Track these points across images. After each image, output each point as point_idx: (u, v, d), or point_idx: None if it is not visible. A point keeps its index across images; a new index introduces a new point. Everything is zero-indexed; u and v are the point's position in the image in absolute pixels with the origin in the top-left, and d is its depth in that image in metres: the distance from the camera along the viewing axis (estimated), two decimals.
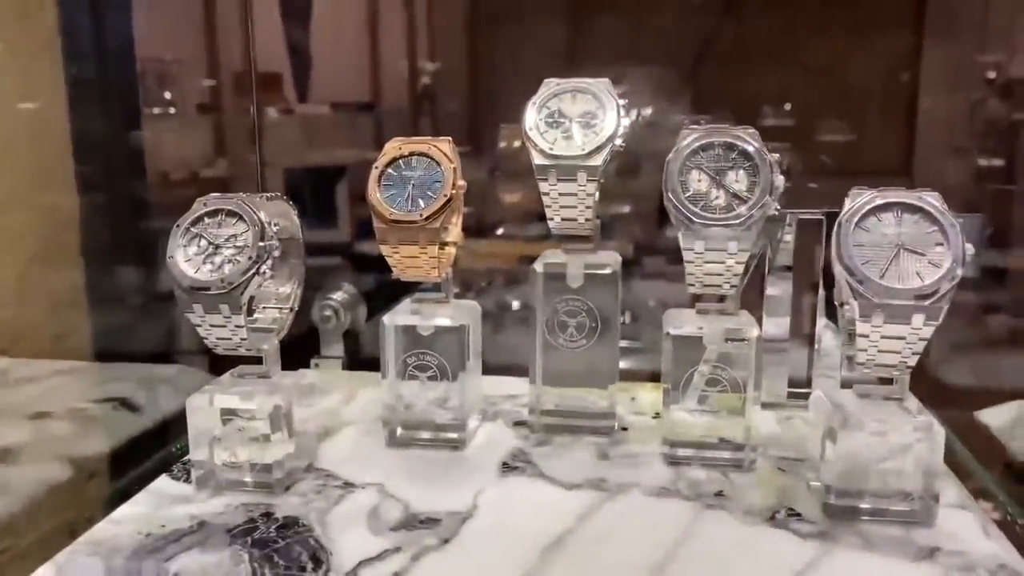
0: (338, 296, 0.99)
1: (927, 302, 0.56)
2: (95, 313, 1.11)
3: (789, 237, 0.82)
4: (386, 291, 1.10)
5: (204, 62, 1.30)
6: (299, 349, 0.97)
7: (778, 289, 0.83)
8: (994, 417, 0.85)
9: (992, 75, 1.18)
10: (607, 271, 0.73)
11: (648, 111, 1.23)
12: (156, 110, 1.25)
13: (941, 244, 0.57)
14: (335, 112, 1.45)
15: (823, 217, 0.80)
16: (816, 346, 0.83)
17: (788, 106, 1.23)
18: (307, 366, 0.99)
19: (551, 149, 0.70)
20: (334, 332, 0.99)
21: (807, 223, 0.81)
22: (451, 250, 0.73)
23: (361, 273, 1.32)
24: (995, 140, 1.18)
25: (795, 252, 0.82)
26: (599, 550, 0.58)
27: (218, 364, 0.70)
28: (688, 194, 0.65)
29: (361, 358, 1.02)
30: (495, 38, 1.34)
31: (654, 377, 0.87)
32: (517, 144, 1.07)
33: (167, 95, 1.27)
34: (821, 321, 0.83)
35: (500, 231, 1.23)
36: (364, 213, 1.41)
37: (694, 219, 0.64)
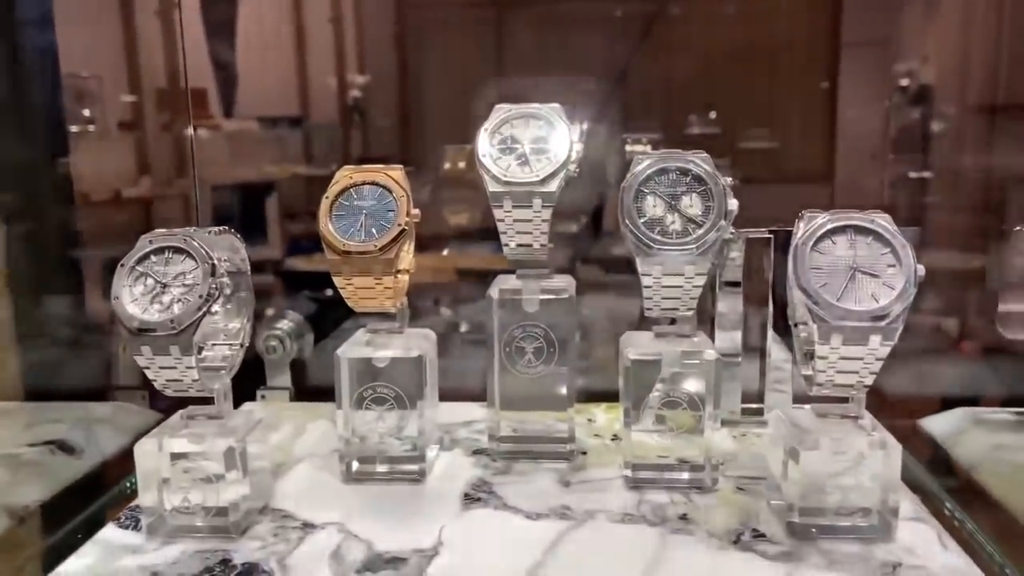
0: (283, 325, 0.97)
1: (883, 323, 0.57)
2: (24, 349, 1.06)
3: (735, 253, 0.84)
4: (323, 308, 1.08)
5: (126, 78, 1.26)
6: (244, 380, 0.94)
7: (727, 305, 0.84)
8: (937, 425, 0.88)
9: (905, 83, 1.24)
10: (564, 295, 0.73)
11: (585, 125, 1.24)
12: (75, 128, 1.20)
13: (894, 265, 0.58)
14: (262, 127, 1.43)
15: (771, 235, 0.82)
16: (767, 359, 0.84)
17: (713, 114, 1.26)
18: (253, 398, 0.96)
19: (505, 176, 0.69)
20: (280, 362, 0.96)
21: (755, 238, 0.82)
22: (404, 278, 0.72)
23: (292, 290, 1.30)
24: (909, 144, 1.23)
25: (744, 267, 0.83)
26: None
27: (158, 400, 0.68)
28: (644, 219, 0.65)
29: (308, 387, 0.99)
30: (424, 50, 1.34)
31: (605, 396, 0.87)
32: (462, 165, 1.07)
33: (87, 112, 1.22)
34: (770, 335, 0.85)
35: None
36: (294, 230, 1.39)
37: (652, 244, 0.64)
